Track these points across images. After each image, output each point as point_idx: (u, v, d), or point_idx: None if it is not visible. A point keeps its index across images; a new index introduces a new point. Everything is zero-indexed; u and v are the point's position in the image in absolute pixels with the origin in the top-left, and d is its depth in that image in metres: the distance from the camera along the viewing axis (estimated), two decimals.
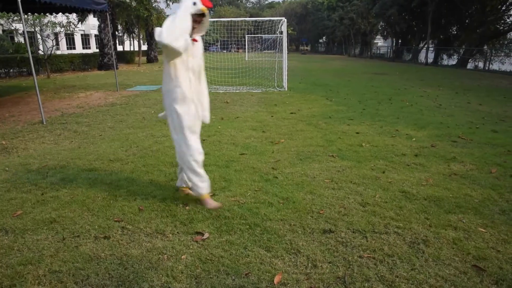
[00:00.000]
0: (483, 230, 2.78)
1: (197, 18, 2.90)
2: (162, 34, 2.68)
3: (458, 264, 2.37)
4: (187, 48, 2.86)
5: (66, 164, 4.38)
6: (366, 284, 2.17)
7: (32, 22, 17.31)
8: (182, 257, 2.45)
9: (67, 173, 4.05)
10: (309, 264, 2.36)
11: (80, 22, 24.93)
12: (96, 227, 2.88)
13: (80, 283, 2.21)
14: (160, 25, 2.87)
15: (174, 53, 2.86)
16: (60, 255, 2.49)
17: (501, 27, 26.36)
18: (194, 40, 2.98)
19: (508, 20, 26.06)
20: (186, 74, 3.01)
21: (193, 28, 2.92)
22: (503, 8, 25.42)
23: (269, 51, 30.64)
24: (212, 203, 3.20)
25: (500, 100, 9.58)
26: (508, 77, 16.61)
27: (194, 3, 2.82)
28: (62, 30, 18.96)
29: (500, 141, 5.30)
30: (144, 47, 35.50)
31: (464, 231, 2.78)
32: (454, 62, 28.07)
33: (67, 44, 39.78)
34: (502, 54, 24.40)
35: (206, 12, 2.90)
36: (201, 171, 3.16)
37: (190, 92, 3.06)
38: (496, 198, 3.38)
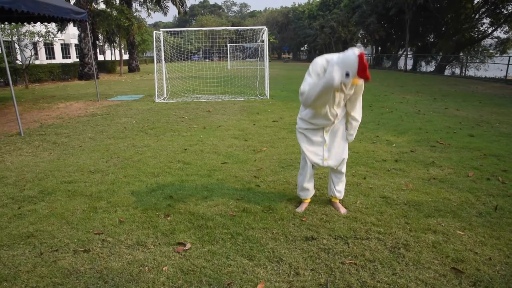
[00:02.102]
0: (461, 233, 2.84)
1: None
2: (301, 97, 2.76)
3: (438, 267, 2.40)
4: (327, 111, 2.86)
5: (45, 176, 4.29)
6: None
7: (9, 31, 16.96)
8: (164, 268, 2.42)
9: (45, 186, 3.96)
10: (292, 272, 2.36)
11: (59, 32, 24.60)
12: (76, 240, 2.82)
13: None
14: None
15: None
16: (37, 271, 2.43)
17: (475, 35, 27.21)
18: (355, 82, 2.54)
19: (481, 28, 26.92)
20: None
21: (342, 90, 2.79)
22: (476, 16, 26.27)
23: (251, 60, 30.83)
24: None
25: (476, 105, 9.85)
26: (483, 83, 17.11)
27: (347, 75, 2.39)
28: (40, 39, 18.64)
29: (477, 145, 5.44)
30: (126, 57, 35.21)
31: (443, 234, 2.83)
32: (432, 69, 28.80)
33: (46, 54, 39.08)
34: (477, 61, 25.15)
35: (359, 84, 2.65)
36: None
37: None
38: (474, 201, 3.46)
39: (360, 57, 2.31)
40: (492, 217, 3.10)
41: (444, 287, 2.20)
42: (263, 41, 12.80)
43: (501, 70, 18.73)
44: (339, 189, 3.30)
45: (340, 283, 2.25)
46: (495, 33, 26.75)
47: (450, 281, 2.25)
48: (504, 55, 24.02)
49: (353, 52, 2.36)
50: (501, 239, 2.74)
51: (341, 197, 3.37)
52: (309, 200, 3.41)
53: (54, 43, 30.29)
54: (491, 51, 27.43)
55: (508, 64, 17.88)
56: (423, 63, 30.93)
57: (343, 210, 3.27)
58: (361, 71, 2.32)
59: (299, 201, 3.43)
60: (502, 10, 24.57)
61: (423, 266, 2.41)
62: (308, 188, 3.31)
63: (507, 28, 25.97)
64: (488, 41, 28.11)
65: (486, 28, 26.84)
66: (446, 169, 4.39)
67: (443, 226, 2.97)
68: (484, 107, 9.51)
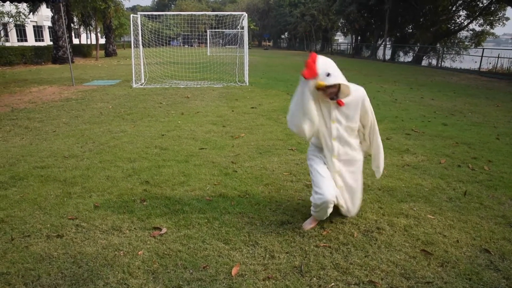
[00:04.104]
0: (432, 217, 2.94)
1: (327, 89, 2.40)
2: (288, 118, 2.55)
3: (408, 249, 2.48)
4: (313, 132, 2.53)
5: (16, 161, 4.17)
6: (322, 272, 2.23)
7: None
8: (139, 253, 2.41)
9: (16, 171, 3.85)
10: (267, 255, 2.39)
11: (31, 13, 23.66)
12: (49, 225, 2.76)
13: (30, 284, 2.12)
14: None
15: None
16: (8, 256, 2.37)
17: (452, 27, 27.78)
18: (339, 103, 2.49)
19: (457, 20, 27.50)
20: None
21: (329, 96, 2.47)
22: (453, 9, 26.78)
23: (231, 46, 30.54)
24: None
25: (450, 95, 10.11)
26: (458, 74, 17.54)
27: (328, 74, 2.31)
28: (11, 20, 17.89)
29: (449, 134, 5.59)
30: (102, 41, 34.25)
31: (414, 218, 2.92)
32: (410, 59, 29.31)
33: (17, 36, 37.58)
34: (453, 52, 25.73)
35: (323, 85, 2.34)
36: None
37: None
38: (444, 186, 3.57)
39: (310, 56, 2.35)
40: (461, 202, 3.22)
41: (414, 268, 2.27)
42: (243, 28, 12.69)
43: (475, 62, 19.25)
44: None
45: (314, 265, 2.29)
46: (471, 26, 27.41)
47: (419, 262, 2.33)
48: (479, 47, 24.65)
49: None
50: (468, 223, 2.85)
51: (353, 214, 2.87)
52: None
53: (25, 24, 29.17)
54: (466, 43, 28.10)
55: (482, 56, 18.38)
56: (401, 53, 31.43)
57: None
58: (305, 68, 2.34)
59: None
60: (478, 3, 25.14)
61: (394, 249, 2.49)
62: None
63: (481, 21, 26.62)
64: (464, 33, 28.79)
65: (462, 21, 27.47)
66: (420, 156, 4.51)
67: (415, 210, 3.06)
68: (458, 97, 9.77)
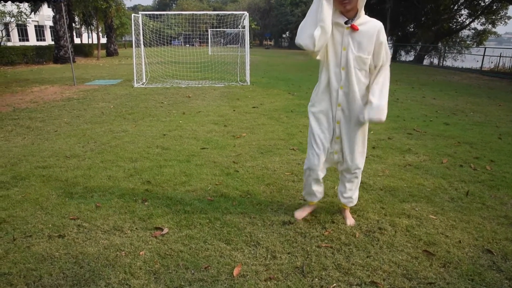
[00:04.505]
0: (434, 217, 2.93)
1: None
2: (297, 35, 2.37)
3: (410, 250, 2.48)
4: (323, 44, 2.32)
5: (18, 161, 4.17)
6: (324, 273, 2.22)
7: None
8: (141, 253, 2.41)
9: (18, 171, 3.85)
10: (269, 256, 2.39)
11: (33, 13, 23.69)
12: (50, 226, 2.76)
13: (32, 284, 2.12)
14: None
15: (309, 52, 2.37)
16: (10, 257, 2.37)
17: (454, 26, 27.72)
18: (353, 27, 2.34)
19: (459, 19, 27.46)
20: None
21: (342, 11, 2.36)
22: (455, 7, 26.72)
23: (233, 46, 30.52)
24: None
25: (452, 94, 10.08)
26: (459, 73, 17.49)
27: None
28: (12, 20, 17.92)
29: (451, 133, 5.58)
30: (104, 40, 34.28)
31: (416, 218, 2.91)
32: (411, 58, 29.28)
33: (19, 36, 37.64)
34: (455, 52, 25.69)
35: None
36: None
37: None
38: (446, 186, 3.56)
39: None
40: (463, 202, 3.21)
41: (416, 269, 2.27)
42: (244, 27, 12.68)
43: (477, 61, 19.19)
44: (349, 194, 2.83)
45: (316, 266, 2.29)
46: (472, 25, 27.38)
47: (421, 263, 2.33)
48: (480, 46, 24.61)
49: None
50: (471, 223, 2.84)
51: (352, 204, 2.90)
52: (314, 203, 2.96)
53: (27, 24, 29.20)
54: (468, 42, 28.05)
55: (484, 55, 18.32)
56: (402, 53, 31.38)
57: (349, 221, 2.83)
58: None
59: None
60: (480, 2, 25.08)
61: (396, 249, 2.48)
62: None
63: (483, 20, 26.56)
64: (465, 32, 28.74)
65: (464, 20, 27.41)
66: (422, 156, 4.49)
67: (417, 210, 3.05)
68: (459, 96, 9.74)
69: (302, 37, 2.33)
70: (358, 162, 2.66)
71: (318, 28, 2.26)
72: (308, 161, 2.68)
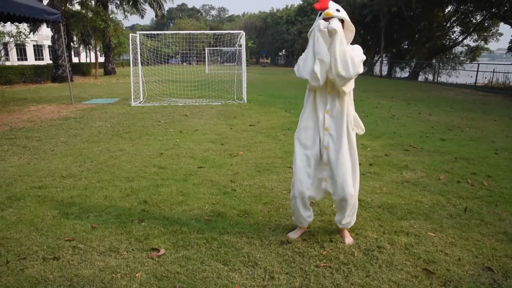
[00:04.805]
0: (433, 235, 2.91)
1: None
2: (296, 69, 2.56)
3: (410, 268, 2.45)
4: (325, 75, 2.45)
5: (13, 181, 4.14)
6: None
7: None
8: (137, 275, 2.37)
9: (13, 191, 3.82)
10: (267, 276, 2.36)
11: (31, 32, 23.93)
12: (45, 247, 2.72)
13: None
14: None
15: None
16: (2, 280, 2.33)
17: (447, 43, 28.15)
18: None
19: (452, 36, 27.90)
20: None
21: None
22: (448, 25, 27.19)
23: (229, 64, 30.81)
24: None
25: (447, 110, 10.16)
26: (454, 89, 17.68)
27: (320, 14, 2.45)
28: (11, 40, 18.08)
29: (448, 149, 5.60)
30: (101, 59, 34.56)
31: (415, 236, 2.89)
32: (406, 75, 29.61)
33: (17, 55, 37.93)
34: (449, 68, 26.01)
35: (330, 15, 2.41)
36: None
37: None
38: (444, 203, 3.55)
39: None
40: (461, 219, 3.19)
41: None
42: (241, 46, 12.83)
43: (471, 76, 19.41)
44: (347, 220, 2.79)
45: (314, 286, 2.26)
46: (465, 41, 27.80)
47: (421, 282, 2.30)
48: (474, 62, 24.92)
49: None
50: (470, 240, 2.82)
51: (350, 226, 2.86)
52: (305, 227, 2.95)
53: (26, 44, 29.45)
54: (461, 58, 28.43)
55: (477, 71, 18.55)
56: (397, 69, 31.78)
57: (348, 240, 2.80)
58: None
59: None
60: (472, 19, 25.54)
61: (395, 268, 2.45)
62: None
63: (476, 36, 27.00)
64: (459, 48, 29.16)
65: (457, 36, 27.85)
66: (419, 172, 4.50)
67: (415, 228, 3.03)
68: (455, 112, 9.82)
69: (304, 73, 2.49)
70: (350, 189, 2.60)
71: (316, 62, 2.40)
72: (294, 188, 2.70)
